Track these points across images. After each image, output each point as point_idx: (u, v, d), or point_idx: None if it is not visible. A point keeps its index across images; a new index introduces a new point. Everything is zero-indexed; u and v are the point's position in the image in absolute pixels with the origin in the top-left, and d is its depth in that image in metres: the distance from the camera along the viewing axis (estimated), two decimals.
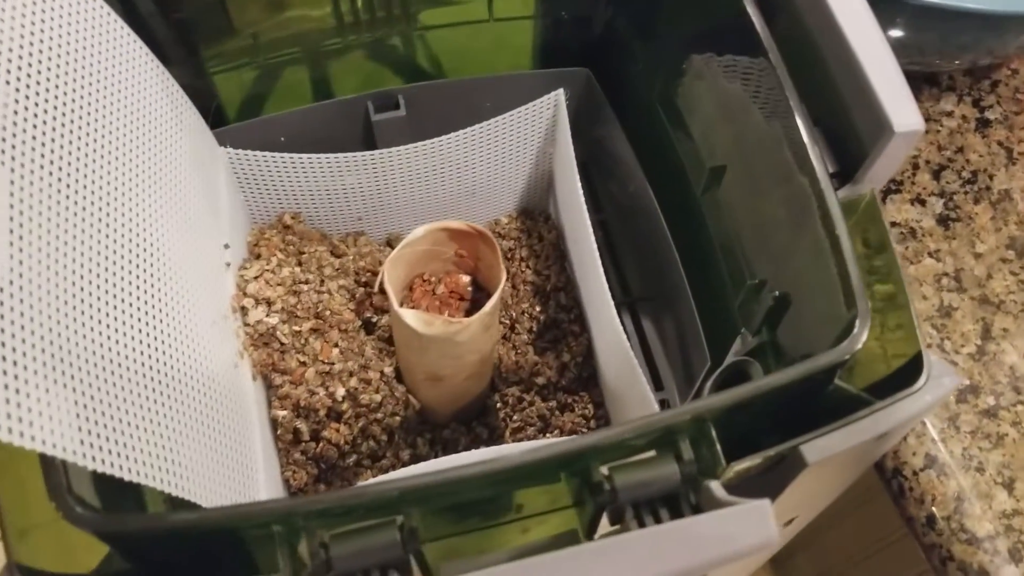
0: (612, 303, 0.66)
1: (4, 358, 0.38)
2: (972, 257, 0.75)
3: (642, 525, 0.44)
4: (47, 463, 0.41)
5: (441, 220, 0.66)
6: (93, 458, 0.42)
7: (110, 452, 0.43)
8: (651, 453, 0.46)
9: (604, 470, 0.44)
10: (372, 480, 0.58)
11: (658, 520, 0.44)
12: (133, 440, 0.46)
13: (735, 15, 0.56)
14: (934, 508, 0.67)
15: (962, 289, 0.74)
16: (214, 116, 0.71)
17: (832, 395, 0.49)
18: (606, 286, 0.67)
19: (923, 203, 0.78)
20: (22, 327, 0.40)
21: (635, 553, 0.37)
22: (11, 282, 0.40)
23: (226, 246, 0.66)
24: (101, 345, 0.46)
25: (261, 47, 0.68)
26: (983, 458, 0.68)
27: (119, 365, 0.47)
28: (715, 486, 0.43)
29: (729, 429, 0.45)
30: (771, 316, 0.57)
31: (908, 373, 0.47)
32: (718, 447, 0.44)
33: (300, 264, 0.71)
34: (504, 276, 0.60)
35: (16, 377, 0.39)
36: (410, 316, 0.58)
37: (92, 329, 0.45)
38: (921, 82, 0.84)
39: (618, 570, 0.37)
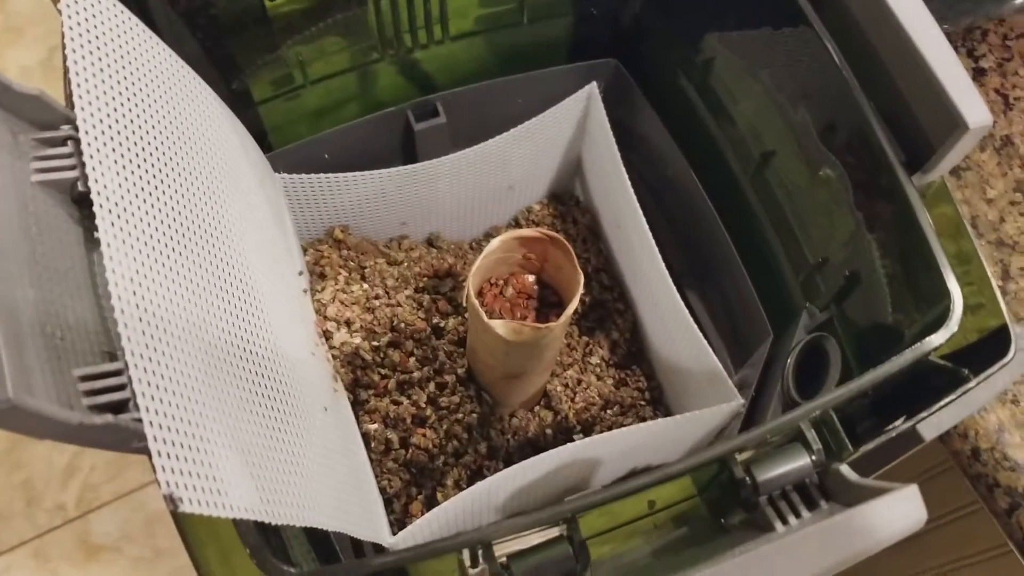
0: (670, 279, 0.69)
1: (197, 435, 0.40)
2: (984, 203, 0.80)
3: (777, 511, 0.48)
4: (243, 529, 0.44)
5: (481, 218, 0.69)
6: (272, 512, 0.44)
7: (281, 503, 0.46)
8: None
9: (741, 464, 0.48)
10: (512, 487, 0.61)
11: (791, 505, 0.48)
12: (291, 487, 0.48)
13: (786, 9, 0.59)
14: (978, 441, 0.73)
15: (979, 235, 0.79)
16: (257, 141, 0.72)
17: (920, 368, 0.53)
18: (662, 264, 0.70)
19: None
20: (204, 402, 0.42)
21: (810, 548, 0.41)
22: (193, 369, 0.42)
23: (300, 272, 0.67)
24: (245, 400, 0.48)
25: (305, 74, 0.69)
26: (1016, 391, 0.73)
27: (260, 416, 0.49)
28: (846, 470, 0.47)
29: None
30: (840, 293, 0.61)
31: (994, 345, 0.51)
32: (843, 434, 0.48)
33: (364, 279, 0.73)
34: (581, 278, 0.63)
35: (207, 452, 0.41)
36: (500, 327, 0.61)
37: (237, 387, 0.47)
38: None
39: (796, 565, 0.41)
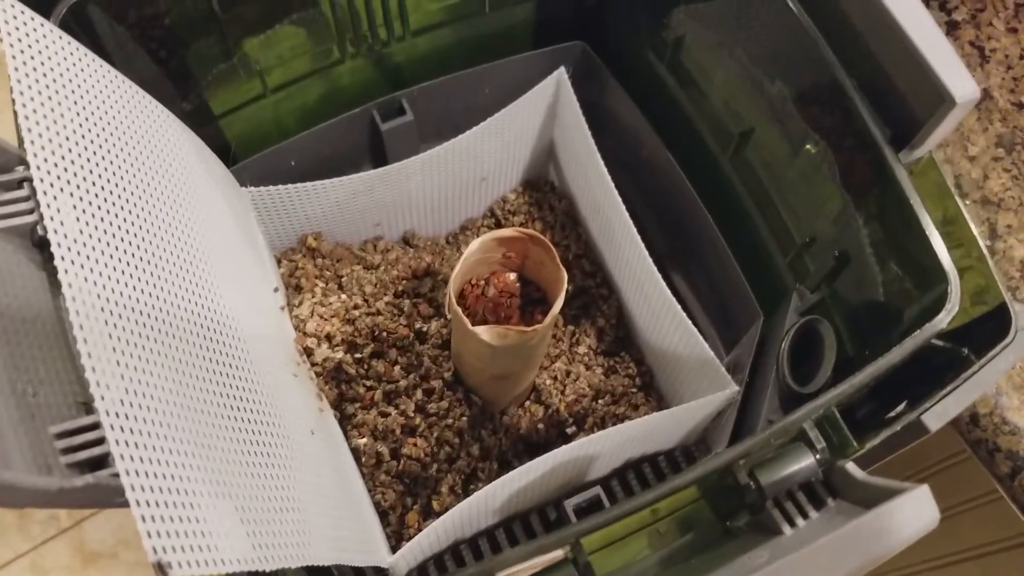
0: (653, 266, 0.67)
1: (181, 489, 0.39)
2: (967, 161, 0.79)
3: (784, 513, 0.47)
4: None
5: (455, 212, 0.68)
6: (266, 558, 0.43)
7: (276, 546, 0.44)
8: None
9: (745, 470, 0.47)
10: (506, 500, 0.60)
11: (798, 505, 0.47)
12: (284, 526, 0.47)
13: None
14: (976, 407, 0.72)
15: (963, 194, 0.78)
16: (220, 156, 0.69)
17: (919, 350, 0.52)
18: (645, 250, 0.68)
19: None
20: (187, 453, 0.41)
21: (826, 559, 0.40)
22: (170, 414, 0.40)
23: (276, 289, 0.65)
24: (230, 440, 0.46)
25: (264, 83, 0.67)
26: None
27: (246, 454, 0.48)
28: (852, 468, 0.46)
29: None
30: (831, 273, 0.60)
31: (994, 323, 0.50)
32: (847, 431, 0.47)
33: (342, 288, 0.71)
34: (564, 276, 0.61)
35: (193, 506, 0.40)
36: (484, 332, 0.60)
37: (220, 428, 0.46)
38: None
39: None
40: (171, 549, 0.36)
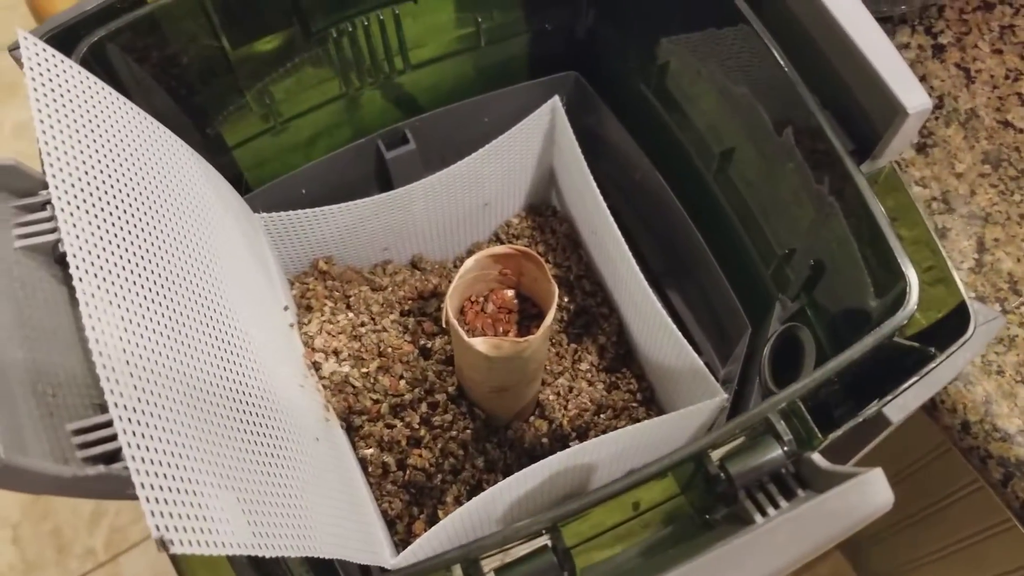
0: (646, 283, 0.71)
1: (185, 479, 0.42)
2: (954, 178, 0.81)
3: (756, 504, 0.49)
4: (238, 566, 0.45)
5: (461, 236, 0.72)
6: (265, 545, 0.46)
7: (275, 536, 0.47)
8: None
9: (716, 461, 0.49)
10: (481, 498, 0.62)
11: (769, 496, 0.50)
12: (285, 519, 0.50)
13: (725, 9, 0.60)
14: (967, 415, 0.74)
15: (951, 209, 0.80)
16: (234, 184, 0.74)
17: (890, 350, 0.55)
18: (637, 269, 0.71)
19: None
20: (192, 445, 0.44)
21: (781, 538, 0.43)
22: (174, 410, 0.44)
23: (286, 308, 0.69)
24: (235, 439, 0.50)
25: (275, 116, 0.71)
26: (1001, 361, 0.74)
27: (250, 452, 0.51)
28: (818, 458, 0.49)
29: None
30: (808, 282, 0.63)
31: (953, 322, 0.53)
32: (811, 423, 0.49)
33: (350, 307, 0.75)
34: (556, 290, 0.64)
35: (197, 493, 0.43)
36: (480, 344, 0.63)
37: (226, 428, 0.49)
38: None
39: (769, 555, 0.42)
40: (173, 528, 0.40)
